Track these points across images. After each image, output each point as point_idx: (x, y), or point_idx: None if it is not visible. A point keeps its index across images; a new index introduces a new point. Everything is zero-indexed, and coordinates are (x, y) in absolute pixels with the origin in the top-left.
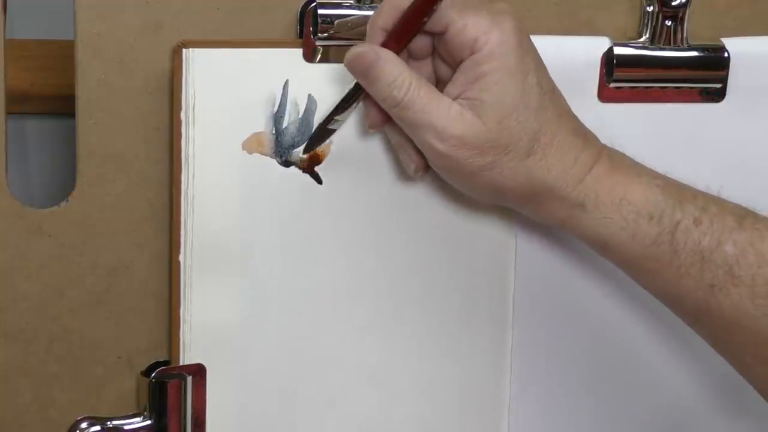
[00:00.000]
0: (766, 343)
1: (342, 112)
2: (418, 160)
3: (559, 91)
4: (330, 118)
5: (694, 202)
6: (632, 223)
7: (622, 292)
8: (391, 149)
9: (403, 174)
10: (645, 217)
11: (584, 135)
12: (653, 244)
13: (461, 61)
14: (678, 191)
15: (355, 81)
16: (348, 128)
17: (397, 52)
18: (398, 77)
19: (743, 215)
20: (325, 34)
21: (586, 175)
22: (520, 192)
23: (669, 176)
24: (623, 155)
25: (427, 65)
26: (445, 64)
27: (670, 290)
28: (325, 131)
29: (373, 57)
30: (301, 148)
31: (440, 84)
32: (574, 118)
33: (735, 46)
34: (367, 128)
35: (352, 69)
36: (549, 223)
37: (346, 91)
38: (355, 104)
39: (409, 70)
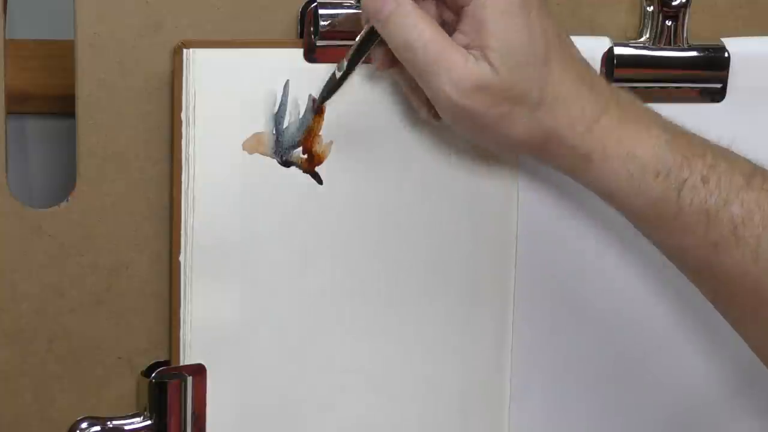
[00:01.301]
0: (766, 304)
1: (358, 58)
2: (429, 105)
3: (565, 36)
4: (345, 64)
5: (703, 158)
6: (638, 179)
7: (623, 290)
8: (391, 149)
9: (402, 173)
10: (651, 173)
11: (590, 82)
12: (659, 200)
13: (463, 7)
14: (688, 146)
15: (369, 26)
16: (348, 129)
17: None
18: (417, 25)
19: (752, 173)
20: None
21: (593, 125)
22: (532, 142)
23: (679, 126)
24: (633, 101)
25: (431, 7)
26: (448, 9)
27: (673, 245)
28: (335, 81)
29: (392, 3)
30: (301, 149)
31: (444, 28)
32: (580, 64)
33: (735, 46)
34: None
35: (368, 12)
36: (558, 170)
37: (361, 36)
38: (367, 52)
39: (427, 18)
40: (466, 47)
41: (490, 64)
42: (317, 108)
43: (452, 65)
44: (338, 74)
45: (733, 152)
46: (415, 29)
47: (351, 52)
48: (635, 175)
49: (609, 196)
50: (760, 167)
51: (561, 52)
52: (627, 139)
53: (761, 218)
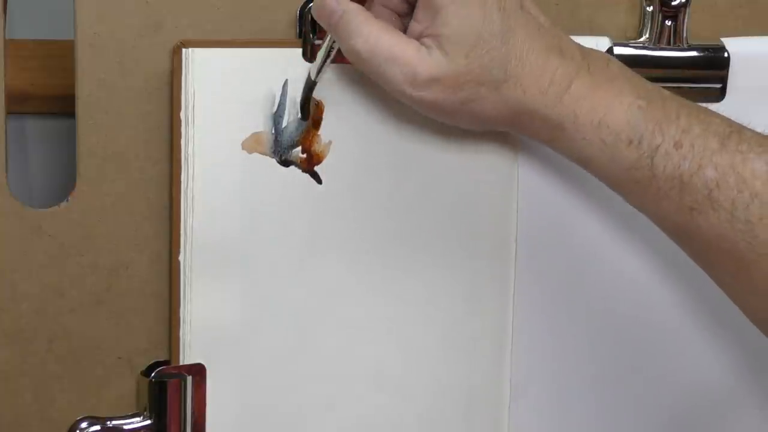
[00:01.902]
0: (745, 268)
1: (324, 61)
2: None
3: (529, 6)
4: (317, 67)
5: (677, 123)
6: (611, 147)
7: (623, 290)
8: (390, 148)
9: (401, 172)
10: (624, 141)
11: (559, 51)
12: (632, 167)
13: None
14: (661, 110)
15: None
16: (347, 129)
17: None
18: (362, 30)
19: (727, 134)
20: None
21: (564, 95)
22: (503, 118)
23: (654, 87)
24: (607, 65)
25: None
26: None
27: (651, 209)
28: (312, 85)
29: (335, 8)
30: (300, 148)
31: (404, 19)
32: (547, 34)
33: (735, 46)
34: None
35: (321, 22)
36: (535, 140)
37: (325, 39)
38: (332, 55)
39: (372, 20)
40: (420, 35)
41: (445, 52)
42: (302, 108)
43: (404, 61)
44: (312, 76)
45: (709, 112)
46: (361, 34)
47: (319, 56)
48: (608, 143)
49: (584, 163)
50: (737, 126)
51: (524, 24)
52: (598, 107)
53: (736, 181)
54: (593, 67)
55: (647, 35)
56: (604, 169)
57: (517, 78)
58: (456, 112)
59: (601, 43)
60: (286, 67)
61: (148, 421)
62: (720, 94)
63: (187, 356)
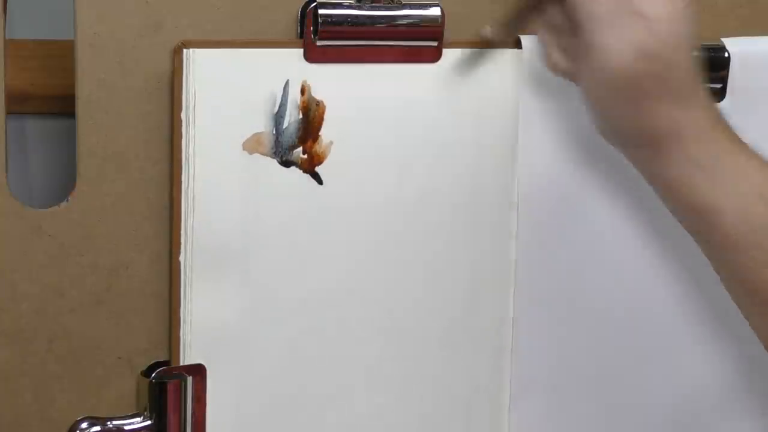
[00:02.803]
0: None
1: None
2: (557, 62)
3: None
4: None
5: None
6: (747, 200)
7: (623, 290)
8: (391, 149)
9: (402, 173)
10: (756, 195)
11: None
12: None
13: None
14: None
15: None
16: (348, 129)
17: None
18: None
19: None
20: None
21: (711, 132)
22: (655, 133)
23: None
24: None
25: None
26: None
27: (755, 278)
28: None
29: None
30: (301, 149)
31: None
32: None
33: (735, 46)
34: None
35: None
36: (656, 180)
37: None
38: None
39: None
40: None
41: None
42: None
43: (636, 28)
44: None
45: None
46: None
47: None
48: (744, 194)
49: (712, 213)
50: None
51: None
52: (738, 152)
53: None
54: (721, 116)
55: None
56: (732, 226)
57: (691, 97)
58: (632, 103)
59: None
60: (287, 67)
61: (148, 422)
62: (720, 94)
63: (187, 356)
